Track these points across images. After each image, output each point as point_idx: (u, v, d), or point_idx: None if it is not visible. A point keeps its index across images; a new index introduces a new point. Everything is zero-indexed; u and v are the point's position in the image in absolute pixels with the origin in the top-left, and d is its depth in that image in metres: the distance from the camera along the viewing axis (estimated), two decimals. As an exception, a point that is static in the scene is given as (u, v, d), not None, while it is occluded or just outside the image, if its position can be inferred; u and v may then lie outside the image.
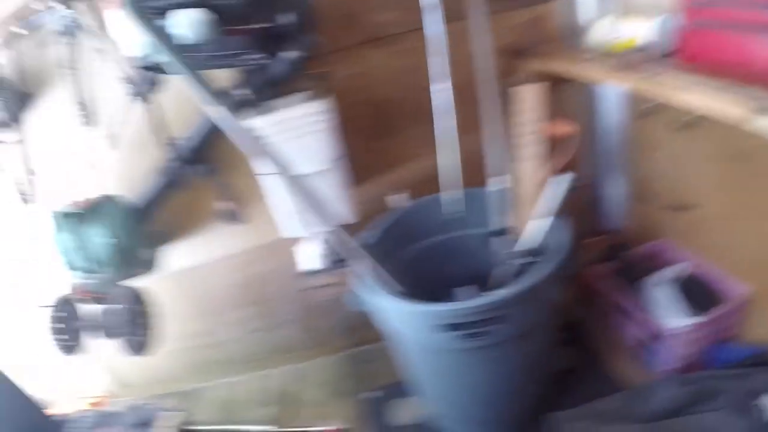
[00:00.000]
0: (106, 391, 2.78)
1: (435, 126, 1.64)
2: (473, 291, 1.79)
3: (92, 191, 1.87)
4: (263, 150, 1.25)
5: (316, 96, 1.65)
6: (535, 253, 1.58)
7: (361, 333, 2.46)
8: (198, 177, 1.89)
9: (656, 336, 1.78)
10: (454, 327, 1.40)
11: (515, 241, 1.62)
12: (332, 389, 2.40)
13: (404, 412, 2.12)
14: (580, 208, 1.57)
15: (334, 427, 1.72)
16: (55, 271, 1.94)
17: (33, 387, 2.54)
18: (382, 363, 2.35)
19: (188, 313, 2.46)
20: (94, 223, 1.84)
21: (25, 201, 2.09)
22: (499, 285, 1.60)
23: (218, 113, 1.19)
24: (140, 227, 1.96)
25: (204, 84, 1.20)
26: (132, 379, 2.74)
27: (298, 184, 1.28)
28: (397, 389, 2.16)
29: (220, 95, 1.21)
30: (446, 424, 1.95)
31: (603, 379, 1.96)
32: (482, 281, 1.77)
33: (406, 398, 2.12)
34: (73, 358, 1.92)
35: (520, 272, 1.58)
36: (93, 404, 2.70)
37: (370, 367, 2.42)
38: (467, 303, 1.39)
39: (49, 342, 1.85)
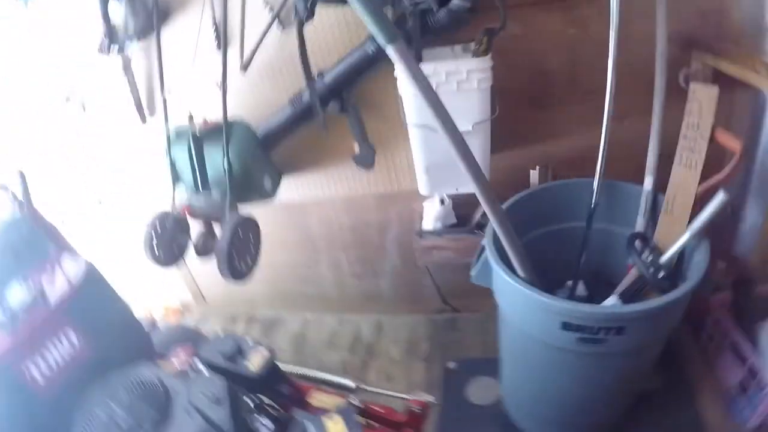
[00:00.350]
0: (183, 302, 2.88)
1: (606, 106, 1.49)
2: (582, 288, 1.70)
3: (216, 113, 1.85)
4: (432, 97, 1.15)
5: (479, 52, 1.54)
6: (673, 269, 1.46)
7: (455, 301, 2.44)
8: (332, 114, 1.82)
9: (756, 387, 1.65)
10: (576, 328, 1.32)
11: (654, 249, 1.50)
12: (409, 349, 2.38)
13: (480, 391, 2.07)
14: (714, 226, 1.42)
15: (422, 399, 1.68)
16: (164, 186, 1.97)
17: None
18: (466, 335, 2.35)
19: (292, 244, 2.48)
20: (213, 143, 1.83)
21: (147, 114, 2.11)
22: (629, 293, 1.50)
23: (393, 49, 1.09)
24: (261, 155, 1.94)
25: (382, 15, 1.10)
26: (212, 294, 2.84)
27: (457, 139, 1.19)
28: (476, 366, 2.13)
29: (396, 30, 1.10)
30: (519, 415, 1.90)
31: (687, 411, 1.84)
32: (601, 280, 1.67)
33: (485, 378, 2.08)
34: (162, 270, 1.95)
35: (651, 285, 1.46)
36: (170, 312, 2.81)
37: (453, 337, 2.38)
38: (601, 308, 1.30)
39: (142, 251, 1.88)
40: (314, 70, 1.75)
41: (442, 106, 1.16)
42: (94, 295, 1.61)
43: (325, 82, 1.77)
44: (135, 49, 1.99)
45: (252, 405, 1.51)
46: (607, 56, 1.43)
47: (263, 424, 1.47)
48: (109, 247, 2.62)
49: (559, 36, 1.71)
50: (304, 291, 2.65)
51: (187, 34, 1.91)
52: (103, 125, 2.25)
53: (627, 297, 1.53)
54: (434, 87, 1.49)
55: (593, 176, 1.59)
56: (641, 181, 1.60)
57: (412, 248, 2.08)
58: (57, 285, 1.52)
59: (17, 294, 1.48)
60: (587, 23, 1.61)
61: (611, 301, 1.53)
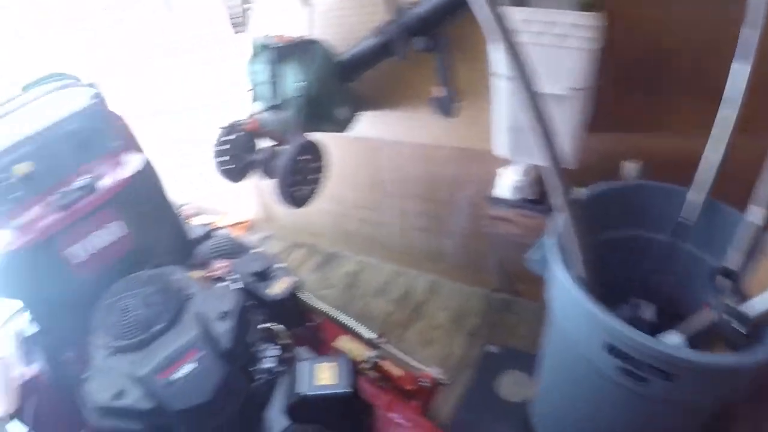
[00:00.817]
0: (251, 218, 2.96)
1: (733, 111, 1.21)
2: (652, 313, 1.44)
3: (299, 31, 1.79)
4: (511, 47, 0.99)
5: (588, 6, 1.31)
6: (756, 325, 1.17)
7: (517, 283, 2.26)
8: (418, 50, 1.67)
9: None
10: (619, 354, 1.13)
11: (740, 294, 1.23)
12: (456, 319, 2.26)
13: (512, 384, 1.93)
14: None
15: (432, 374, 1.60)
16: (242, 99, 1.94)
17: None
18: (519, 322, 2.19)
19: (362, 184, 2.41)
20: (292, 61, 1.76)
21: (237, 28, 2.08)
22: (698, 336, 1.25)
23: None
24: (339, 82, 1.84)
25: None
26: (281, 218, 2.88)
27: (533, 99, 1.02)
28: (517, 357, 1.98)
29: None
30: (543, 426, 1.73)
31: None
32: (678, 312, 1.41)
33: (521, 373, 1.93)
34: (227, 182, 1.95)
35: (722, 334, 1.20)
36: (237, 225, 2.89)
37: (505, 320, 2.22)
38: (648, 339, 1.08)
39: (211, 161, 1.89)
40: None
41: (518, 53, 0.99)
42: (145, 193, 1.68)
43: (417, 12, 1.61)
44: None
45: (266, 330, 1.51)
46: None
47: (267, 351, 1.46)
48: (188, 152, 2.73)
49: (693, 13, 1.39)
50: (368, 234, 2.59)
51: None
52: (195, 31, 2.31)
53: (695, 340, 1.28)
54: (531, 38, 1.31)
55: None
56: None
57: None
58: (114, 177, 1.59)
59: (75, 180, 1.56)
60: (726, 9, 1.28)
61: (673, 338, 1.29)
